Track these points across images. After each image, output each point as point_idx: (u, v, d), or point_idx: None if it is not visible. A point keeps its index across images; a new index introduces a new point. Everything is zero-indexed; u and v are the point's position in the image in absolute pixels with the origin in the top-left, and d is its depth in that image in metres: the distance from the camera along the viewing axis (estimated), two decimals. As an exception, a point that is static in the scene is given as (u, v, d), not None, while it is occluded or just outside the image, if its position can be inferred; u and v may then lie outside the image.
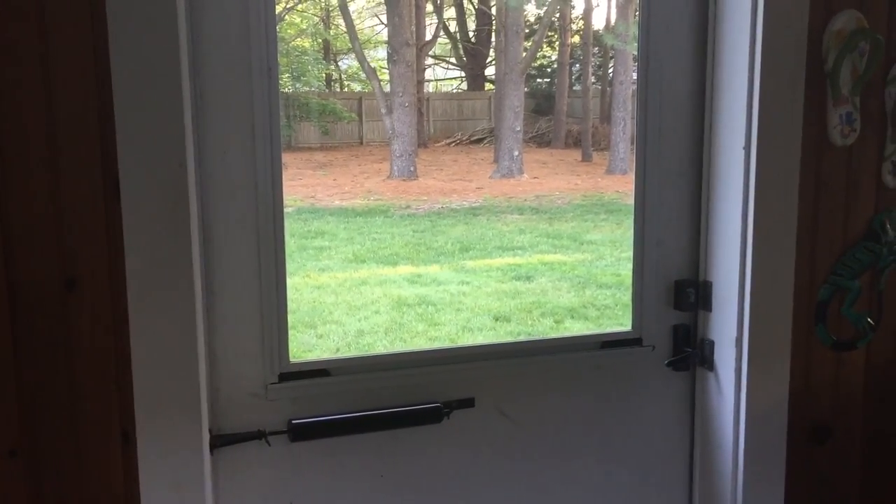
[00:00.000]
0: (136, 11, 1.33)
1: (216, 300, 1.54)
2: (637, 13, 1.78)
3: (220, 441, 1.55)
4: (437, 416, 1.68)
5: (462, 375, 1.72)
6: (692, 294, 1.82)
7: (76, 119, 1.34)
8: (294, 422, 1.60)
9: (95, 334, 1.39)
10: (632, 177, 1.82)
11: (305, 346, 4.32)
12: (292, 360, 1.60)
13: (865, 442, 1.93)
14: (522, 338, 4.45)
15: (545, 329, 4.83)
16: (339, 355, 3.90)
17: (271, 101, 1.52)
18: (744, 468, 1.79)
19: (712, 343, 1.82)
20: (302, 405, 1.61)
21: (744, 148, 1.70)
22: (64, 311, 1.37)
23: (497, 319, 4.90)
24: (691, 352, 1.84)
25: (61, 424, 1.40)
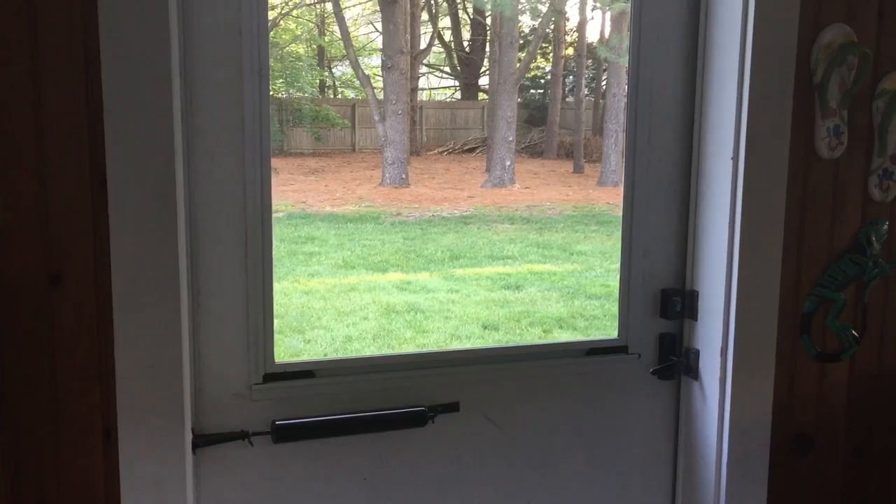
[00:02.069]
0: (127, 11, 1.33)
1: (202, 299, 1.53)
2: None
3: (202, 441, 1.54)
4: (421, 420, 1.67)
5: (447, 380, 1.72)
6: (678, 303, 1.83)
7: (65, 117, 1.33)
8: (278, 423, 1.59)
9: (79, 331, 1.39)
10: (622, 188, 1.82)
11: (293, 350, 4.32)
12: (277, 361, 1.60)
13: (848, 454, 1.94)
14: (509, 344, 4.45)
15: (533, 338, 4.84)
16: (325, 357, 3.89)
17: (262, 103, 1.52)
18: (727, 478, 1.79)
19: (697, 352, 1.83)
20: (286, 406, 1.61)
21: (732, 158, 1.71)
22: (48, 307, 1.37)
23: (486, 328, 4.91)
24: (676, 360, 1.85)
25: (43, 420, 1.39)
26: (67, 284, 1.37)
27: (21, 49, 1.30)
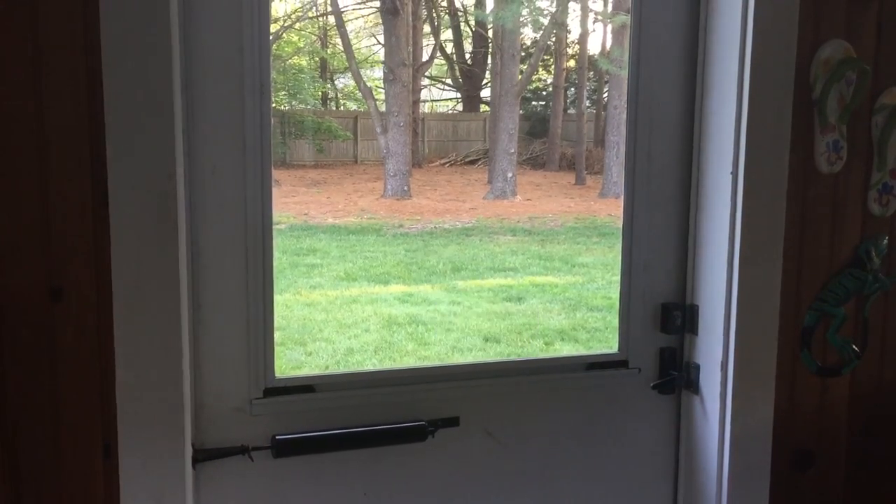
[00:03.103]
0: (129, 25, 1.34)
1: (202, 314, 1.54)
2: (630, 38, 1.80)
3: (202, 456, 1.54)
4: (421, 434, 1.67)
5: (448, 394, 1.72)
6: (679, 317, 1.83)
7: (67, 131, 1.34)
8: (278, 437, 1.59)
9: (80, 345, 1.39)
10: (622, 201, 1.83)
11: (294, 363, 4.31)
12: (278, 375, 1.60)
13: (848, 469, 1.93)
14: (509, 358, 4.44)
15: (535, 351, 4.83)
16: (325, 371, 3.89)
17: (263, 118, 1.53)
18: (728, 492, 1.79)
19: (698, 366, 1.83)
20: (286, 421, 1.61)
21: (731, 173, 1.72)
22: (49, 322, 1.37)
23: (487, 340, 4.90)
24: (677, 375, 1.85)
25: (43, 435, 1.39)
26: (68, 299, 1.37)
27: (23, 66, 1.31)
